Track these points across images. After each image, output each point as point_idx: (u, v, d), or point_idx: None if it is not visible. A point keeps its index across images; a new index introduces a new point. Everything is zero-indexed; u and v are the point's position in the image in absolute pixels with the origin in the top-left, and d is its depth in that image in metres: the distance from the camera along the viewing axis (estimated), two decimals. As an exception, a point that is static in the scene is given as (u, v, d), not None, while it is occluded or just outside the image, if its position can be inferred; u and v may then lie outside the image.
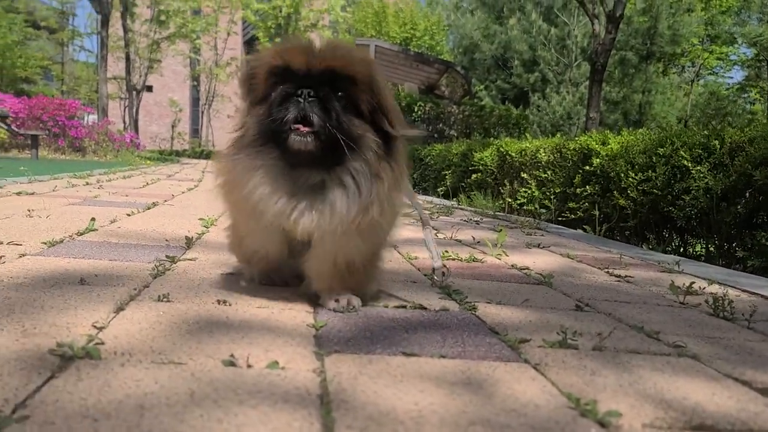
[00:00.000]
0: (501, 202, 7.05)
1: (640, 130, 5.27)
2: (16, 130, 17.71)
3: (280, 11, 31.01)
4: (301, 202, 1.56)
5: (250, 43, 43.93)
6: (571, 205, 5.55)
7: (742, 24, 25.59)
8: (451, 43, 26.71)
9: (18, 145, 19.01)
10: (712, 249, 4.31)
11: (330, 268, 1.70)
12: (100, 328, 1.42)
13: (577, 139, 5.75)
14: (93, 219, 3.13)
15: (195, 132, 50.63)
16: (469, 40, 24.55)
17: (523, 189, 6.51)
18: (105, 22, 23.58)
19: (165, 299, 1.72)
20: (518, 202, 6.59)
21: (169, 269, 2.18)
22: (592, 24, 11.32)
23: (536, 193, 6.19)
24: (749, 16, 25.31)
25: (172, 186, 7.05)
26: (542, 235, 4.25)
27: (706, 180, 4.09)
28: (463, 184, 8.18)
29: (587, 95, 11.44)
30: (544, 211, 6.05)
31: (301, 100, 1.51)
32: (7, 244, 2.46)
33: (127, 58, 29.36)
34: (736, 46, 25.83)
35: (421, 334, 1.56)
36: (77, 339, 1.31)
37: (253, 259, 1.92)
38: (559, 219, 5.75)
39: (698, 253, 4.52)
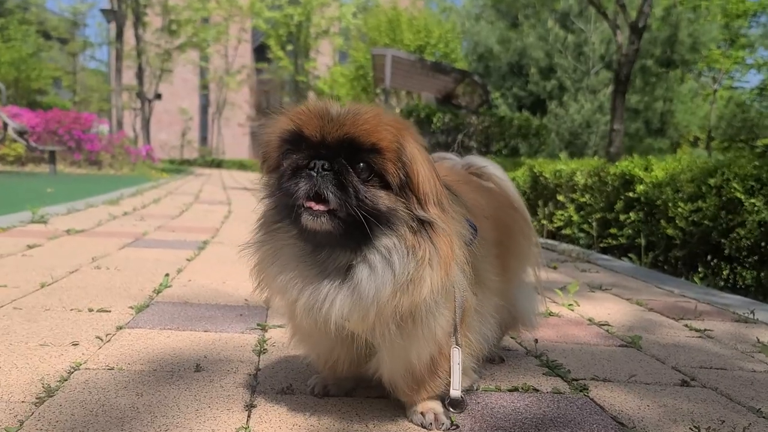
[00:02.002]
0: (536, 224, 7.04)
1: (685, 157, 5.25)
2: (35, 145, 17.82)
3: (292, 19, 31.09)
4: (329, 290, 1.36)
5: (259, 51, 44.05)
6: (612, 231, 5.54)
7: (759, 26, 25.62)
8: (466, 50, 26.72)
9: (34, 159, 19.15)
10: (765, 281, 4.29)
11: (403, 373, 1.50)
12: (248, 438, 1.43)
13: (617, 164, 5.73)
14: (167, 275, 3.15)
15: (204, 140, 50.86)
16: (484, 47, 24.54)
17: (560, 212, 6.50)
18: (120, 34, 23.69)
19: (288, 392, 1.73)
20: (555, 225, 6.58)
21: (266, 341, 2.20)
22: (614, 35, 11.29)
23: (575, 217, 6.18)
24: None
25: (206, 213, 7.09)
26: (597, 271, 4.24)
27: (762, 214, 4.08)
28: (493, 203, 8.17)
29: (610, 107, 11.42)
30: (583, 235, 6.04)
31: (314, 174, 1.31)
32: (98, 311, 2.48)
33: (140, 68, 29.50)
34: (751, 50, 25.78)
35: None
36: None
37: (318, 364, 1.69)
38: (601, 245, 5.73)
39: (748, 283, 4.50)
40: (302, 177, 1.33)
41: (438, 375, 1.52)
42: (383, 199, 1.33)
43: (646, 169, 5.32)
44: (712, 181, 4.50)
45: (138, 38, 27.89)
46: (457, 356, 1.49)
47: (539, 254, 2.10)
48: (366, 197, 1.32)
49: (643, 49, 21.96)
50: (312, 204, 1.32)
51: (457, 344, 1.48)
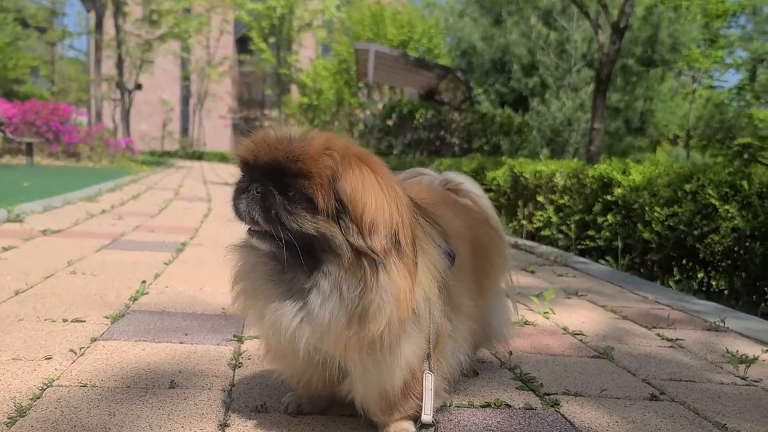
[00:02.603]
0: (515, 223, 7.10)
1: (662, 162, 5.32)
2: (11, 136, 17.55)
3: (275, 11, 30.86)
4: (291, 311, 1.38)
5: (242, 42, 43.69)
6: (590, 233, 5.61)
7: (738, 27, 25.99)
8: (449, 46, 26.74)
9: (11, 151, 18.84)
10: (737, 285, 4.37)
11: (376, 398, 1.50)
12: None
13: (596, 166, 5.79)
14: (143, 281, 3.13)
15: (185, 131, 50.42)
16: (467, 43, 24.58)
17: (540, 213, 6.56)
18: (99, 24, 23.37)
19: (263, 410, 1.73)
20: (534, 225, 6.64)
21: (242, 354, 2.20)
22: (596, 34, 11.37)
23: (554, 219, 6.24)
24: (746, 21, 25.68)
25: (186, 211, 7.04)
26: (573, 276, 4.29)
27: (734, 221, 4.15)
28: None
29: (591, 105, 11.51)
30: (561, 236, 6.11)
31: (246, 196, 1.38)
32: (72, 321, 2.47)
33: (119, 59, 29.13)
34: (730, 50, 26.11)
35: (524, 451, 1.59)
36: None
37: (291, 382, 1.70)
38: (579, 246, 5.80)
39: (721, 287, 4.58)
40: (241, 198, 1.39)
41: (410, 398, 1.53)
42: (310, 224, 1.34)
43: (624, 173, 5.38)
44: (687, 187, 4.57)
45: (118, 28, 27.52)
46: (429, 382, 1.50)
47: (510, 266, 2.12)
48: (289, 220, 1.34)
49: (624, 49, 22.16)
50: (250, 224, 1.39)
51: (430, 370, 1.50)
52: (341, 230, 1.33)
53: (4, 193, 7.62)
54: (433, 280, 1.44)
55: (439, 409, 1.69)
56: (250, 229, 1.39)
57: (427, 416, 1.51)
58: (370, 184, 1.33)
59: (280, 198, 1.35)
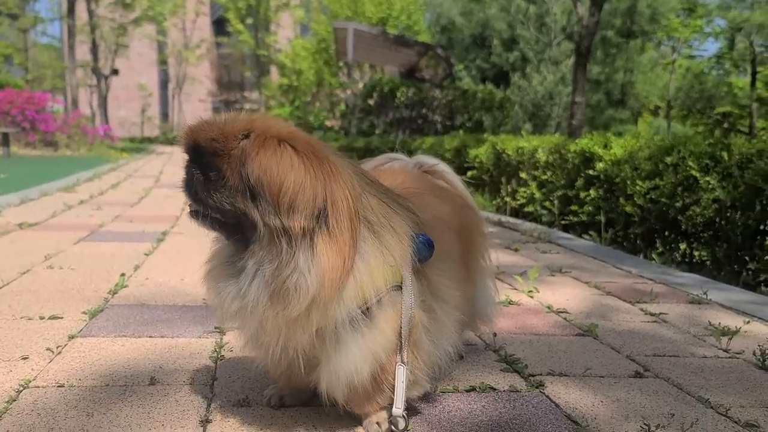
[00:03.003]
0: (499, 200, 7.09)
1: (643, 135, 5.32)
2: (-14, 127, 17.20)
3: (251, -9, 30.36)
4: (228, 290, 1.39)
5: (219, 24, 43.03)
6: (574, 208, 5.61)
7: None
8: (428, 22, 26.50)
9: (-13, 141, 18.49)
10: (719, 256, 4.40)
11: (343, 388, 1.46)
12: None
13: (577, 141, 5.78)
14: (122, 274, 3.08)
15: (165, 116, 49.80)
16: (447, 19, 24.37)
17: (523, 189, 6.56)
18: (71, 9, 22.87)
19: (245, 404, 1.71)
20: (518, 202, 6.64)
21: (223, 346, 2.17)
22: (575, 6, 11.30)
23: (537, 195, 6.24)
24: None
25: (166, 199, 6.95)
26: (557, 252, 4.30)
27: (715, 192, 4.16)
28: (457, 180, 8.20)
29: (572, 79, 11.49)
30: (545, 212, 6.11)
31: (184, 179, 1.43)
32: (49, 318, 2.42)
33: (94, 44, 28.59)
34: (708, 18, 26.13)
35: (510, 435, 1.58)
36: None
37: (272, 373, 1.67)
38: (563, 222, 5.81)
39: (703, 258, 4.61)
40: (183, 181, 1.44)
41: (385, 389, 1.51)
42: (227, 203, 1.35)
43: (605, 147, 5.38)
44: (668, 159, 4.57)
45: (91, 13, 26.96)
46: (401, 374, 1.47)
47: (489, 244, 2.10)
48: (208, 199, 1.37)
49: (604, 21, 22.10)
50: (189, 205, 1.45)
51: (402, 362, 1.47)
52: (257, 209, 1.32)
53: (-21, 186, 7.47)
54: (394, 270, 1.41)
55: (422, 397, 1.68)
56: (189, 208, 1.44)
57: (397, 410, 1.48)
58: (287, 164, 1.31)
59: (201, 178, 1.38)
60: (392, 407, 1.50)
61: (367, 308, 1.39)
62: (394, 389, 1.50)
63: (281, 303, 1.32)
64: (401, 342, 1.46)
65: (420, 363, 1.52)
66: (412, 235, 1.46)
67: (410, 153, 6.80)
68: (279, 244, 1.32)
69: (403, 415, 1.49)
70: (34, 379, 1.84)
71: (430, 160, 2.02)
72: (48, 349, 2.09)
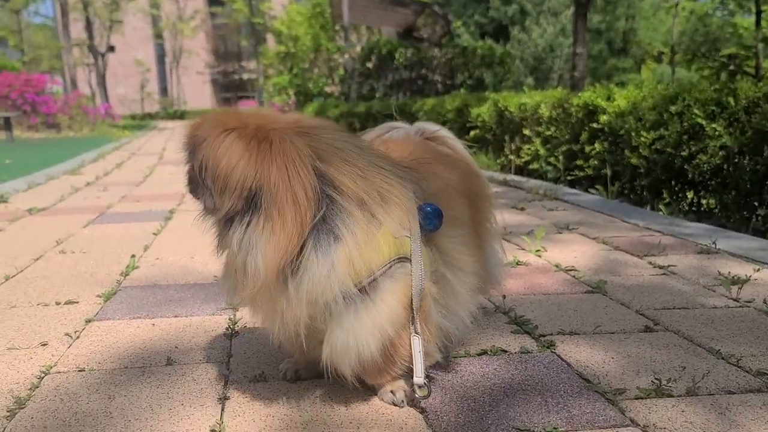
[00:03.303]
0: (503, 159, 7.06)
1: (647, 84, 5.25)
2: (-13, 112, 17.17)
3: (241, -43, 29.77)
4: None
5: (212, -7, 42.39)
6: (579, 162, 5.58)
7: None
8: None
9: (-11, 127, 18.48)
10: (728, 203, 4.38)
11: (350, 362, 1.45)
12: (222, 436, 1.45)
13: (580, 94, 5.72)
14: (133, 256, 3.11)
15: (164, 91, 49.50)
16: (442, -26, 23.89)
17: (527, 146, 6.52)
18: (61, -12, 22.55)
19: (261, 379, 1.74)
20: (522, 159, 6.61)
21: (237, 322, 2.20)
22: (573, -45, 11.04)
23: (541, 151, 6.20)
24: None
25: (171, 176, 6.97)
26: (564, 209, 4.29)
27: (722, 139, 4.12)
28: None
29: (572, 30, 11.30)
30: (550, 168, 6.08)
31: None
32: (65, 303, 2.46)
33: (88, 22, 28.30)
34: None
35: (521, 397, 1.61)
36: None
37: (288, 346, 1.68)
38: (568, 177, 5.78)
39: (712, 207, 4.59)
40: None
41: (396, 361, 1.53)
42: (192, 192, 1.52)
43: (608, 99, 5.32)
44: (673, 108, 4.52)
45: (82, -10, 26.60)
46: (417, 344, 1.49)
47: (495, 207, 2.09)
48: (188, 188, 1.54)
49: (603, -34, 21.59)
50: None
51: (416, 332, 1.49)
52: (203, 194, 1.44)
53: (-15, 173, 7.51)
54: (398, 242, 1.41)
55: (433, 365, 1.70)
56: None
57: (419, 379, 1.49)
58: (224, 150, 1.36)
59: (187, 168, 1.51)
60: (411, 377, 1.53)
61: (370, 282, 1.39)
62: (405, 360, 1.52)
63: (241, 282, 1.41)
64: (413, 313, 1.47)
65: (429, 335, 1.53)
66: (419, 206, 1.47)
67: (411, 116, 6.84)
68: (224, 227, 1.42)
69: (425, 383, 1.51)
70: (54, 365, 1.88)
71: (431, 127, 2.01)
72: (66, 334, 2.13)
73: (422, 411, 1.56)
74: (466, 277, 1.62)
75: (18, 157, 9.82)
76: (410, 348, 1.50)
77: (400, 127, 1.98)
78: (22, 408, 1.61)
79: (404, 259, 1.43)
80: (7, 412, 1.59)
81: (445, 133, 2.02)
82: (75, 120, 19.80)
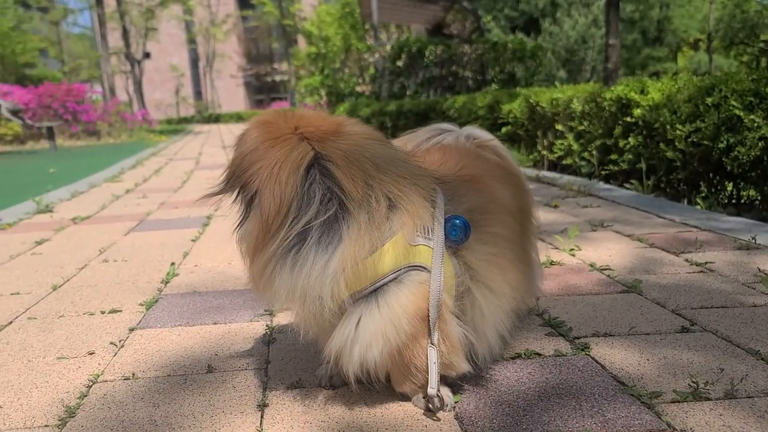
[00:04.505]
0: (536, 155, 7.00)
1: (681, 76, 5.15)
2: (31, 123, 17.74)
3: (271, -39, 30.05)
4: None
5: (243, -3, 42.88)
6: (613, 157, 5.51)
7: None
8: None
9: (33, 136, 19.08)
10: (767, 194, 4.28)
11: (354, 365, 1.48)
12: (262, 443, 1.50)
13: (613, 88, 5.64)
14: (173, 263, 3.20)
15: (198, 95, 50.30)
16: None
17: (560, 141, 6.45)
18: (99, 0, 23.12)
19: (298, 385, 1.79)
20: (555, 155, 6.54)
21: (274, 329, 2.26)
22: (603, -55, 10.85)
23: (574, 146, 6.14)
24: None
25: (208, 181, 7.09)
26: (598, 206, 4.25)
27: (761, 130, 4.03)
28: (493, 137, 8.11)
29: (604, 20, 11.11)
30: (584, 163, 6.02)
31: None
32: (110, 312, 2.54)
33: (124, 30, 28.93)
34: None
35: (555, 401, 1.62)
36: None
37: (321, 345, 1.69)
38: (603, 172, 5.71)
39: (752, 198, 4.49)
40: None
41: (410, 371, 1.53)
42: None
43: (642, 92, 5.24)
44: (709, 100, 4.43)
45: (119, 0, 27.21)
46: (433, 355, 1.50)
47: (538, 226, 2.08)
48: None
49: (636, -46, 21.15)
50: None
51: (432, 343, 1.50)
52: None
53: (31, 182, 7.77)
54: (411, 252, 1.43)
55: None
56: None
57: (432, 389, 1.51)
58: (241, 144, 1.53)
59: None
60: (444, 385, 1.55)
61: (373, 287, 1.41)
62: (423, 370, 1.53)
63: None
64: (429, 325, 1.48)
65: (447, 348, 1.52)
66: (447, 217, 1.48)
67: (443, 113, 6.84)
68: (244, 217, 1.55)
69: (438, 395, 1.52)
70: (101, 374, 1.95)
71: (482, 134, 1.97)
72: (112, 343, 2.21)
73: (456, 417, 1.58)
74: (496, 299, 1.59)
75: (61, 166, 10.13)
76: (427, 358, 1.51)
77: (450, 131, 1.94)
78: (72, 417, 1.68)
79: (419, 267, 1.45)
80: (59, 420, 1.67)
81: (496, 143, 1.99)
82: (114, 127, 20.32)
